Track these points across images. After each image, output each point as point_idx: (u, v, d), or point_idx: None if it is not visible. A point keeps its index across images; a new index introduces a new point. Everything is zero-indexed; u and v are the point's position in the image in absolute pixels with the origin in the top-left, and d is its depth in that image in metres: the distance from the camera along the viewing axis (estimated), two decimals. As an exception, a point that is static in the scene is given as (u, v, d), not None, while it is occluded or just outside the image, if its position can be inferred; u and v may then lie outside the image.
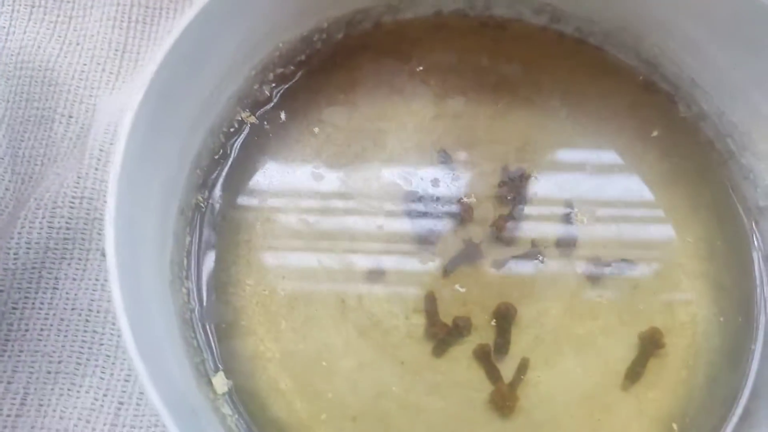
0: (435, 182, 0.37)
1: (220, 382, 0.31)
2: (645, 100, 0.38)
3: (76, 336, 0.34)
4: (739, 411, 0.31)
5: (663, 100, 0.37)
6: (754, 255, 0.34)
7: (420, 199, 0.36)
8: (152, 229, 0.28)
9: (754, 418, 0.30)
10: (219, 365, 0.31)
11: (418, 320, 0.35)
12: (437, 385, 0.33)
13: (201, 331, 0.32)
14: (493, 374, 0.34)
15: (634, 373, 0.33)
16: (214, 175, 0.34)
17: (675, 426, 0.32)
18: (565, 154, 0.38)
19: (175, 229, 0.31)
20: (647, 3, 0.34)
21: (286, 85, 0.37)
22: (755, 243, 0.34)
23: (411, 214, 0.36)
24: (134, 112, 0.25)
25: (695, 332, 0.34)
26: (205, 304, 0.32)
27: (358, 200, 0.36)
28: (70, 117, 0.39)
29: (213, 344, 0.32)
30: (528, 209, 0.37)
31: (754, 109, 0.33)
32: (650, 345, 0.34)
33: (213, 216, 0.34)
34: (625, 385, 0.33)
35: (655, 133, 0.37)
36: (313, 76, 0.38)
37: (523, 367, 0.34)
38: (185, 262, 0.32)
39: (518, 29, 0.39)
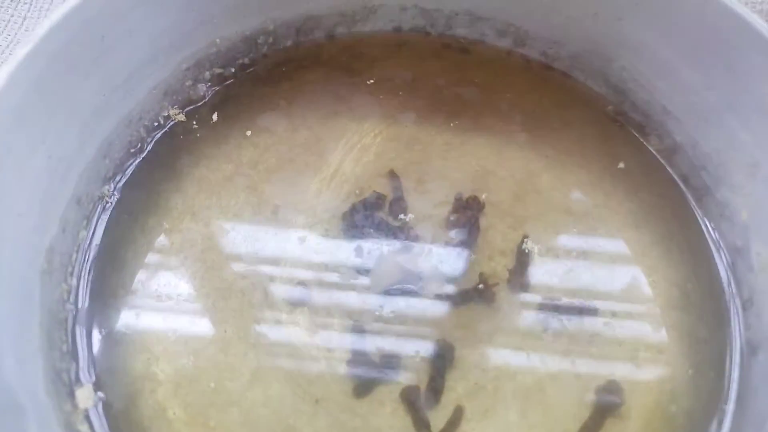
0: (378, 205, 0.33)
1: (86, 396, 0.26)
2: (614, 133, 0.35)
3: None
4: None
5: (633, 132, 0.34)
6: (730, 303, 0.29)
7: (361, 221, 0.33)
8: (27, 204, 0.25)
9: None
10: (90, 377, 0.27)
11: (341, 355, 0.30)
12: (355, 430, 0.28)
13: (76, 336, 0.27)
14: (420, 423, 0.29)
15: (587, 434, 0.28)
16: (127, 169, 0.31)
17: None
18: (525, 187, 0.34)
19: (64, 216, 0.27)
20: (616, 23, 0.32)
21: (224, 86, 0.34)
22: (731, 289, 0.30)
23: (348, 235, 0.32)
24: (15, 64, 0.23)
25: (662, 390, 0.29)
26: (86, 306, 0.28)
27: (289, 216, 0.32)
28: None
29: (87, 353, 0.27)
30: (479, 241, 0.33)
31: (729, 135, 0.29)
32: (607, 402, 0.29)
33: (118, 213, 0.30)
34: (577, 447, 0.28)
35: (621, 165, 0.33)
36: (256, 82, 0.35)
37: (456, 417, 0.29)
38: (74, 257, 0.28)
39: (482, 52, 0.37)
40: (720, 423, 0.27)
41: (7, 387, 0.21)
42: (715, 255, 0.31)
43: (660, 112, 0.32)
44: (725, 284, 0.30)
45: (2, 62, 0.38)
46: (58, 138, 0.26)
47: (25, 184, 0.25)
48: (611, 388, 0.29)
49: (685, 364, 0.29)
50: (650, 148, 0.33)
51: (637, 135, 0.34)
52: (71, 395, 0.26)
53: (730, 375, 0.28)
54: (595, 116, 0.35)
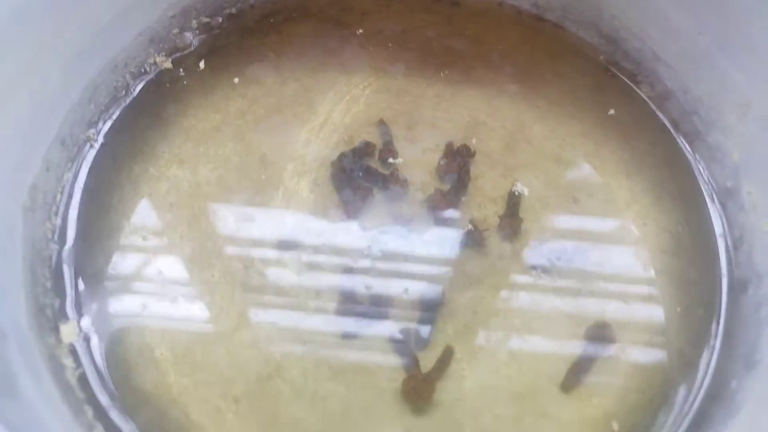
0: (367, 153, 0.33)
1: (70, 331, 0.26)
2: (606, 82, 0.34)
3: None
4: (692, 415, 0.26)
5: (625, 81, 0.34)
6: (721, 244, 0.29)
7: (351, 168, 0.32)
8: (9, 140, 0.24)
9: (710, 422, 0.25)
10: (74, 314, 0.26)
11: (329, 298, 0.30)
12: (342, 370, 0.28)
13: (63, 273, 0.27)
14: (410, 362, 0.28)
15: (576, 373, 0.28)
16: (113, 114, 0.31)
17: (615, 425, 0.26)
18: (516, 137, 0.34)
19: (48, 155, 0.27)
20: (606, -32, 0.32)
21: (212, 36, 0.34)
22: (723, 230, 0.29)
23: (337, 182, 0.32)
24: None
25: (651, 329, 0.29)
26: (71, 247, 0.28)
27: (277, 165, 0.32)
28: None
29: (73, 291, 0.27)
30: (470, 188, 0.32)
31: (721, 76, 0.29)
32: (598, 341, 0.28)
33: (103, 158, 0.30)
34: (566, 386, 0.28)
35: (611, 111, 0.33)
36: (244, 33, 0.35)
37: (446, 356, 0.29)
38: (58, 197, 0.28)
39: (472, 5, 0.36)
40: (709, 357, 0.27)
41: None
42: (707, 198, 0.30)
43: (651, 59, 0.32)
44: (716, 226, 0.30)
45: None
46: (41, 76, 0.26)
47: (7, 120, 0.24)
48: (601, 327, 0.29)
49: (674, 305, 0.29)
50: (642, 96, 0.33)
51: (629, 83, 0.34)
52: (55, 330, 0.26)
53: (719, 312, 0.28)
54: (587, 66, 0.35)
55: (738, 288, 0.28)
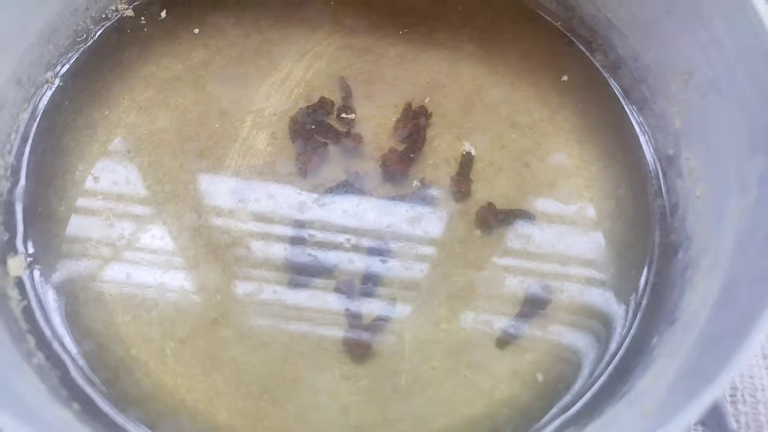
0: (327, 110, 0.33)
1: (17, 264, 0.26)
2: (563, 49, 0.35)
3: None
4: (612, 368, 0.27)
5: (581, 48, 0.34)
6: (658, 210, 0.30)
7: (305, 122, 0.33)
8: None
9: (629, 375, 0.26)
10: (23, 248, 0.27)
11: (278, 249, 0.30)
12: (285, 317, 0.29)
13: (14, 209, 0.28)
14: (353, 311, 0.29)
15: (512, 330, 0.29)
16: (72, 58, 0.31)
17: (539, 376, 0.27)
18: (473, 100, 0.34)
19: (2, 93, 0.28)
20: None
21: (175, -16, 0.34)
22: (662, 196, 0.30)
23: (294, 136, 0.33)
24: None
25: (586, 288, 0.30)
26: (24, 185, 0.28)
27: (236, 116, 0.33)
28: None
29: (23, 227, 0.28)
30: (425, 149, 0.33)
31: (667, 42, 0.30)
32: (536, 300, 0.30)
33: (60, 100, 0.30)
34: (501, 342, 0.29)
35: (565, 78, 0.34)
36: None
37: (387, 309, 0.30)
38: (13, 136, 0.29)
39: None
40: (635, 315, 0.28)
41: None
42: (650, 166, 0.31)
43: (605, 27, 0.33)
44: (656, 193, 0.31)
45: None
46: (-3, 11, 0.26)
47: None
48: (541, 287, 0.30)
49: (610, 266, 0.30)
50: (596, 64, 0.34)
51: (584, 51, 0.34)
52: (3, 263, 0.26)
53: (648, 274, 0.29)
54: (545, 32, 0.35)
55: (670, 252, 0.29)
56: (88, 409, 0.24)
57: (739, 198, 0.25)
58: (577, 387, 0.27)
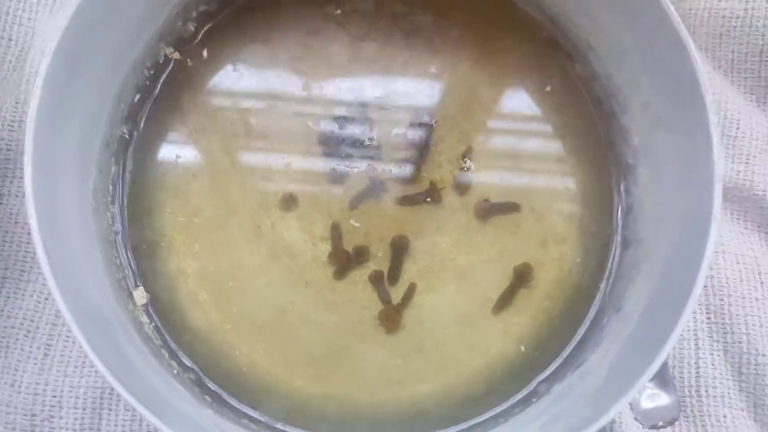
0: (349, 122, 0.40)
1: (140, 295, 0.36)
2: (547, 57, 0.41)
3: (20, 247, 0.39)
4: (578, 337, 0.37)
5: (563, 57, 0.40)
6: (617, 207, 0.39)
7: (333, 138, 0.40)
8: (73, 162, 0.32)
9: (584, 347, 0.36)
10: (138, 281, 0.36)
11: (323, 247, 0.39)
12: (334, 304, 0.39)
13: (123, 251, 0.36)
14: (384, 296, 0.39)
15: (504, 300, 0.39)
16: (140, 108, 0.37)
17: (522, 347, 0.38)
18: (471, 103, 0.41)
19: (99, 160, 0.35)
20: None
21: (210, 23, 0.39)
22: (620, 197, 0.39)
23: (324, 152, 0.40)
24: (55, 44, 0.28)
25: (561, 269, 0.39)
26: (127, 226, 0.36)
27: (273, 139, 0.40)
28: (10, 40, 0.41)
29: (133, 263, 0.36)
30: (432, 151, 0.40)
31: (633, 75, 0.36)
32: (521, 277, 0.39)
33: (139, 147, 0.37)
34: (495, 310, 0.39)
35: (548, 88, 0.40)
36: (235, 15, 0.40)
37: (410, 291, 0.39)
38: (110, 188, 0.36)
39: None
40: (597, 298, 0.38)
41: (97, 308, 0.31)
42: (613, 169, 0.39)
43: (584, 46, 0.38)
44: (616, 193, 0.39)
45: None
46: (87, 99, 0.32)
47: (70, 147, 0.31)
48: (525, 266, 0.39)
49: (579, 251, 0.39)
50: (575, 74, 0.40)
51: (566, 60, 0.40)
52: (130, 297, 0.35)
53: (605, 262, 0.38)
54: (533, 42, 0.41)
55: (623, 246, 0.38)
56: (220, 402, 0.35)
57: (674, 226, 0.33)
58: (552, 350, 0.38)
